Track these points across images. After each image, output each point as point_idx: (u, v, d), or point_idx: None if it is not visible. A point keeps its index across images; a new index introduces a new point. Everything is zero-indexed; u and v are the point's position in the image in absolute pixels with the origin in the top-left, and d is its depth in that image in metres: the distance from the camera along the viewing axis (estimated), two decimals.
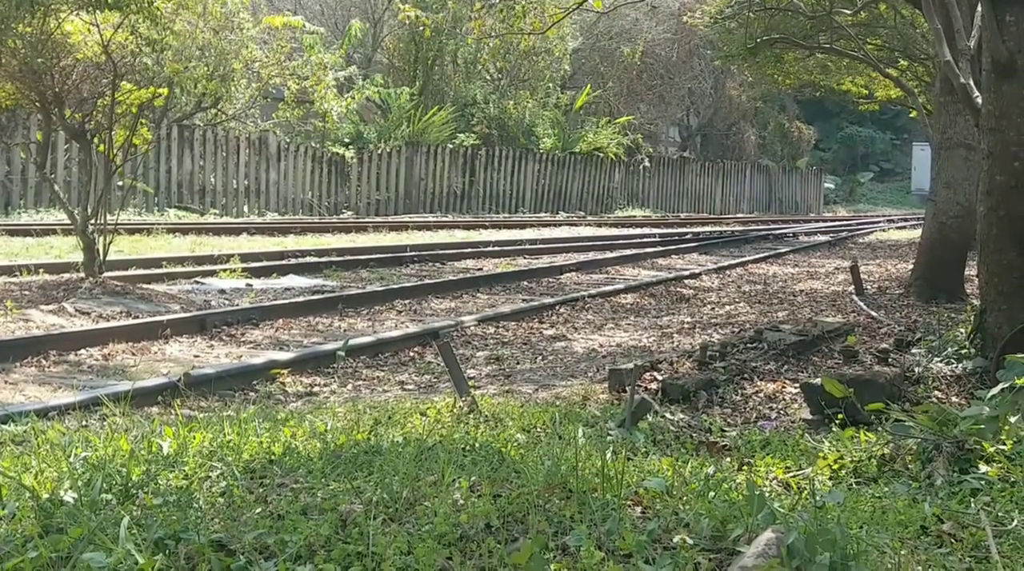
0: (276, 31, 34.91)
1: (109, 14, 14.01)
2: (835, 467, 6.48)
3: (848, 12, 22.55)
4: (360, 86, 39.08)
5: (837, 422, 7.58)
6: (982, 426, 6.47)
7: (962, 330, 10.25)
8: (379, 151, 38.36)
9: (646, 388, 8.64)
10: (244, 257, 18.33)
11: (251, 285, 16.12)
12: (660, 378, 8.90)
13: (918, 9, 16.48)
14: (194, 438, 6.04)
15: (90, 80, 14.57)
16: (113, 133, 14.61)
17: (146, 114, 15.29)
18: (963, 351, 9.51)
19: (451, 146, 40.55)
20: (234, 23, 33.85)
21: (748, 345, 10.28)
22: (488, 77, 46.05)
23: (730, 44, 27.45)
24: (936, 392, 8.74)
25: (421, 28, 20.38)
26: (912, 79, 28.71)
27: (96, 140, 14.77)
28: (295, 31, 35.52)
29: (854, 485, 6.18)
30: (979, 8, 9.86)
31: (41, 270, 15.56)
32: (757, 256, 24.54)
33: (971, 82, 9.80)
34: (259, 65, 34.85)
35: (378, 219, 33.14)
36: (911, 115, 40.15)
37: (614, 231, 31.61)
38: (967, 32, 10.31)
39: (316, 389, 9.87)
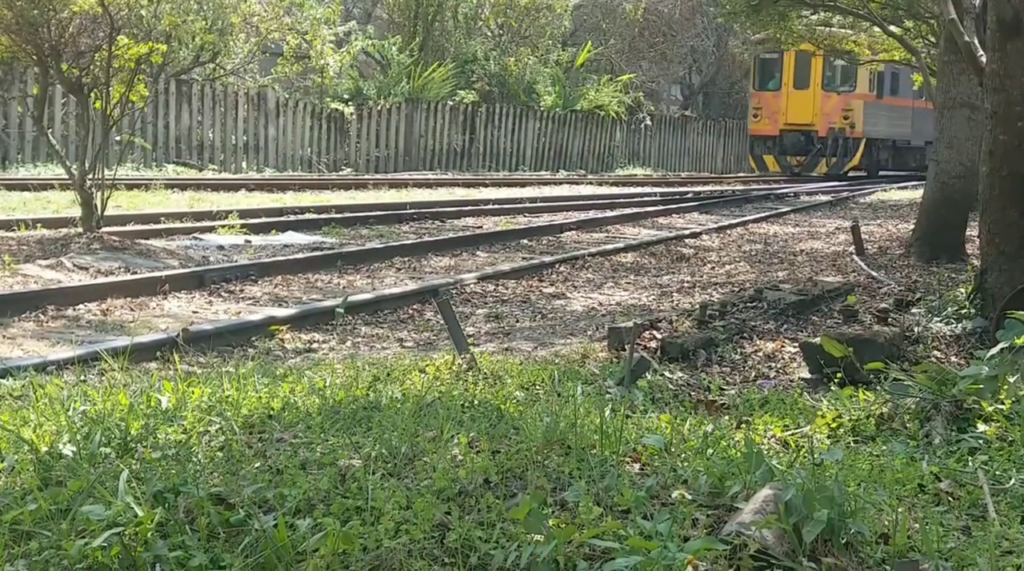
0: None
1: None
2: (833, 426, 6.48)
3: None
4: (353, 40, 38.91)
5: (836, 381, 7.57)
6: (981, 385, 6.47)
7: (962, 290, 10.25)
8: (379, 108, 38.21)
9: (645, 347, 8.64)
10: (243, 213, 18.31)
11: (250, 241, 16.11)
12: (659, 337, 8.90)
13: None
14: (193, 393, 6.05)
15: (87, 33, 14.48)
16: (110, 88, 14.54)
17: (144, 69, 15.20)
18: (963, 311, 9.50)
19: (451, 103, 40.40)
20: None
21: (748, 304, 10.29)
22: (489, 33, 45.90)
23: (733, 1, 27.26)
24: (935, 352, 8.74)
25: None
26: (916, 38, 28.51)
27: (93, 95, 14.70)
28: None
29: (852, 444, 6.18)
30: None
31: (39, 225, 15.53)
32: (758, 215, 24.50)
33: (975, 41, 9.77)
34: (258, 19, 34.74)
35: (377, 176, 33.07)
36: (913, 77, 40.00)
37: (615, 190, 31.55)
38: None
39: (315, 346, 9.86)
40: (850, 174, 45.75)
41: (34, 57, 14.62)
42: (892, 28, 26.43)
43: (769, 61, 45.29)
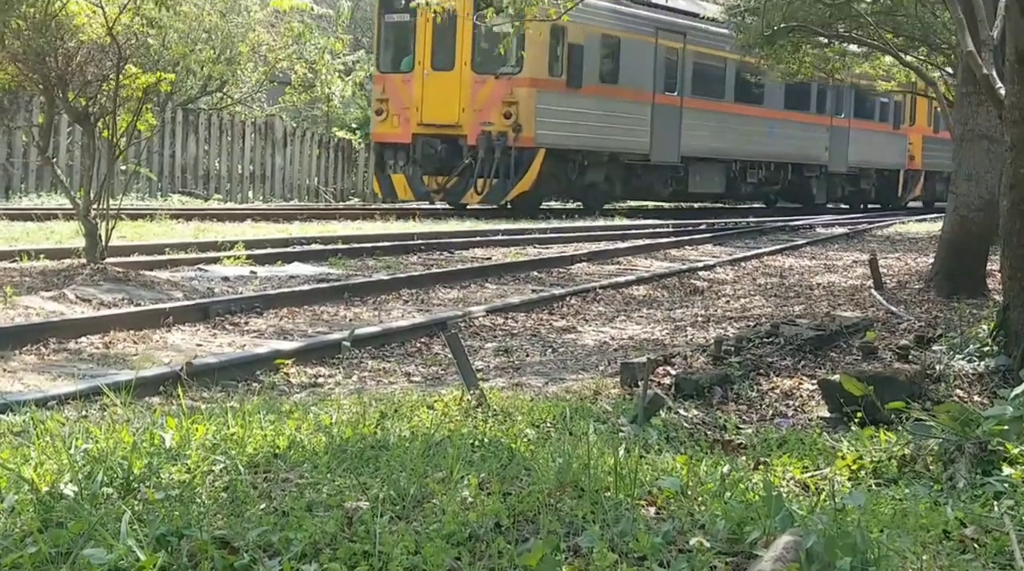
0: (284, 14, 34.90)
1: None
2: (854, 467, 6.38)
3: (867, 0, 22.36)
4: (360, 68, 39.04)
5: (856, 421, 7.45)
6: (1005, 427, 6.37)
7: (984, 327, 10.11)
8: None
9: (659, 383, 8.53)
10: (248, 244, 18.22)
11: (255, 273, 16.02)
12: (673, 373, 8.79)
13: None
14: (197, 430, 5.98)
15: (94, 62, 14.43)
16: (117, 117, 14.49)
17: (151, 97, 15.14)
18: (985, 348, 9.36)
19: None
20: (241, 5, 33.89)
21: (764, 340, 10.14)
22: None
23: (747, 31, 27.37)
24: (958, 391, 8.60)
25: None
26: (932, 68, 28.54)
27: (100, 124, 14.63)
28: (303, 14, 35.50)
29: (874, 486, 6.08)
30: None
31: (42, 255, 15.44)
32: (773, 248, 24.37)
33: (994, 73, 9.62)
34: (266, 48, 34.87)
35: (385, 206, 33.04)
36: None
37: (626, 221, 31.47)
38: (990, 21, 10.13)
39: (321, 380, 9.76)
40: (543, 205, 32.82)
41: (40, 86, 14.56)
42: (908, 58, 26.48)
43: (398, 26, 30.98)
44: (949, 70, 26.98)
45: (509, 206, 30.85)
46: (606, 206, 34.57)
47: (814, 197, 43.71)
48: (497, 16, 20.25)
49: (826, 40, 27.77)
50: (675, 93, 34.48)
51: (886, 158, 46.94)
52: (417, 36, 30.05)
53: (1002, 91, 9.40)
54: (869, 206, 47.69)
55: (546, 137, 30.03)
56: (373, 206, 32.36)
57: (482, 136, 29.20)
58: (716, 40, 34.98)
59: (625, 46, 32.40)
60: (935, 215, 37.19)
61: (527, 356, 11.22)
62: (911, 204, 50.41)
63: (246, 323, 12.24)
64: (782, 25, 25.07)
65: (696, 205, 40.94)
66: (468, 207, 30.89)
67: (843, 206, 46.80)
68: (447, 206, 31.17)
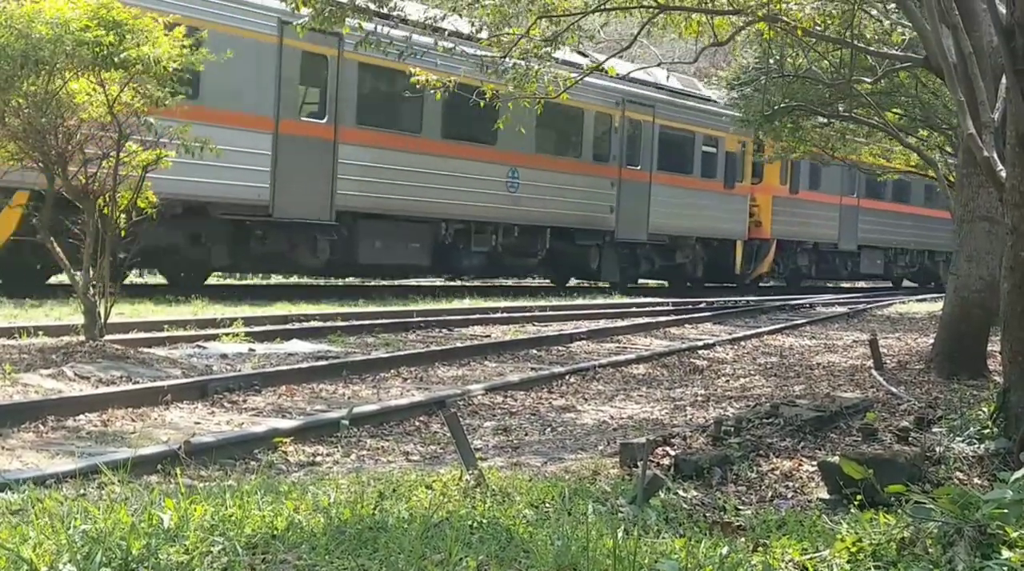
0: None
1: (115, 73, 13.91)
2: (853, 550, 6.31)
3: (868, 81, 22.43)
4: None
5: (856, 503, 7.41)
6: (1005, 510, 6.31)
7: (984, 409, 10.09)
8: None
9: (658, 463, 8.49)
10: (247, 321, 18.18)
11: (254, 350, 15.96)
12: (673, 453, 8.74)
13: (940, 80, 16.33)
14: (195, 510, 5.94)
15: (95, 141, 14.46)
16: (117, 194, 14.50)
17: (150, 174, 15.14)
18: (985, 431, 9.33)
19: None
20: None
21: (764, 420, 10.10)
22: None
23: (747, 110, 27.51)
24: (958, 473, 8.57)
25: (432, 91, 18.64)
26: (932, 149, 28.62)
27: (100, 201, 14.62)
28: None
29: (873, 569, 6.02)
30: (1004, 80, 9.73)
31: (41, 333, 15.39)
32: (773, 327, 24.30)
33: (995, 155, 9.63)
34: None
35: (384, 283, 32.99)
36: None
37: (625, 299, 31.44)
38: (991, 104, 10.16)
39: (319, 459, 9.71)
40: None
41: (40, 164, 14.56)
42: (909, 139, 26.57)
43: None
44: (949, 150, 27.07)
45: None
46: (208, 283, 26.66)
47: (597, 273, 35.06)
48: None
49: (826, 120, 27.89)
50: (324, 120, 25.10)
51: (714, 224, 37.84)
52: None
53: (1003, 174, 9.41)
54: (707, 285, 39.15)
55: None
56: (372, 283, 32.05)
57: None
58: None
59: (216, 43, 19.86)
60: (935, 295, 36.83)
61: (526, 435, 11.17)
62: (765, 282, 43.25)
63: (244, 401, 12.20)
64: (782, 104, 25.20)
65: (388, 282, 31.60)
66: None
67: (663, 284, 38.76)
68: None
